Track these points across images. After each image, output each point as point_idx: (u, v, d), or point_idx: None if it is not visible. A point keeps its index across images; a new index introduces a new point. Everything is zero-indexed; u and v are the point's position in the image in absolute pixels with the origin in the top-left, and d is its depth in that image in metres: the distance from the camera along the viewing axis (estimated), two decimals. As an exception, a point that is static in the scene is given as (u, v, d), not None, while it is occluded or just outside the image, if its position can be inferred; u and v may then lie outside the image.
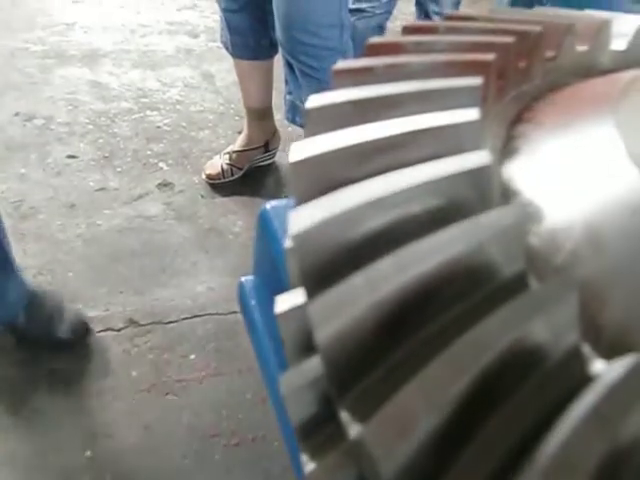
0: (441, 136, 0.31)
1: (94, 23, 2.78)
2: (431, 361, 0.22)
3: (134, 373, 1.57)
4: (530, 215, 0.30)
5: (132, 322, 1.68)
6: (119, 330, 1.66)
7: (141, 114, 2.34)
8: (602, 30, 0.45)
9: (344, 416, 0.24)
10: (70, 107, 2.31)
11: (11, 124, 2.19)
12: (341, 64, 0.39)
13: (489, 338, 0.22)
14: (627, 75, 0.35)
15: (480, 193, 0.29)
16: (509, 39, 0.40)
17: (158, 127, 2.30)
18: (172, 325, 1.68)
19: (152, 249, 1.86)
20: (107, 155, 2.14)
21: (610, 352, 0.26)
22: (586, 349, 0.25)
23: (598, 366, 0.25)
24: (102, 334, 1.64)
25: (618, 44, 0.46)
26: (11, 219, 1.88)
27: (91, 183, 2.05)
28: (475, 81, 0.34)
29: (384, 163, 0.31)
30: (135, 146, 2.20)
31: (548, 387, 0.24)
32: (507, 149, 0.36)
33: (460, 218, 0.27)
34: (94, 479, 1.35)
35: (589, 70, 0.44)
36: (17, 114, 2.23)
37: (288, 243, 0.28)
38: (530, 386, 0.24)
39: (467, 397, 0.22)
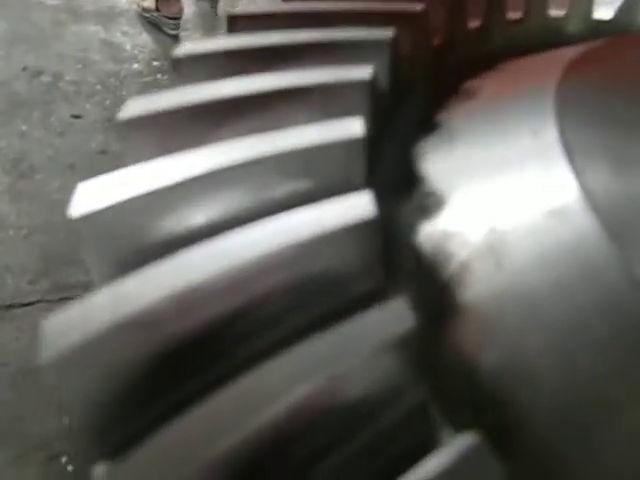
0: (316, 98, 0.24)
1: (114, -20, 2.70)
2: (191, 415, 0.16)
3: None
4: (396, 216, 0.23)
5: (120, 290, 1.63)
6: (107, 297, 1.62)
7: (151, 77, 2.27)
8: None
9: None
10: (80, 65, 2.25)
11: (17, 79, 2.14)
12: (239, 9, 0.32)
13: (274, 387, 0.15)
14: (575, 50, 0.27)
15: (345, 172, 0.21)
16: (454, -10, 0.32)
17: (168, 92, 2.23)
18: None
19: (148, 216, 1.81)
20: (112, 117, 2.09)
21: (485, 408, 0.19)
22: (437, 409, 0.17)
23: (448, 435, 0.17)
24: (87, 300, 1.60)
25: (600, 13, 0.38)
26: (9, 177, 1.85)
27: (93, 145, 2.00)
28: (384, 34, 0.26)
29: (246, 127, 0.24)
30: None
31: (379, 456, 0.17)
32: (431, 121, 0.29)
33: (322, 198, 0.20)
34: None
35: (559, 38, 0.36)
36: (25, 68, 2.18)
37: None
38: (354, 454, 0.17)
39: (241, 463, 0.15)
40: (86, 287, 1.59)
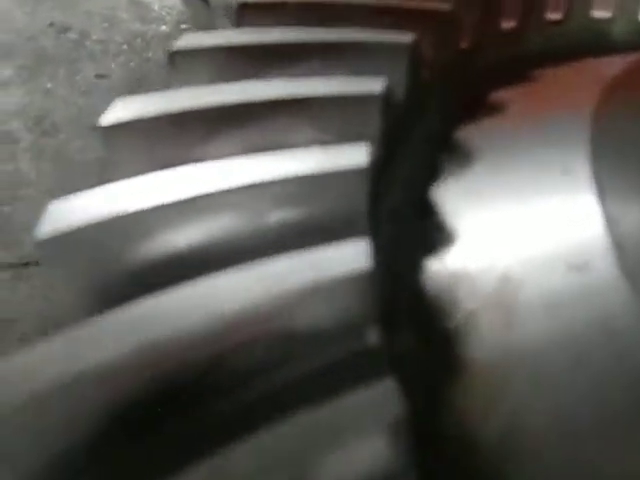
0: (320, 111, 0.21)
1: (146, -63, 2.64)
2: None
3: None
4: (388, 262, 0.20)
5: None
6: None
7: (179, 40, 2.24)
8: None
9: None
10: (107, 24, 2.22)
11: (44, 34, 2.12)
12: (251, -4, 0.29)
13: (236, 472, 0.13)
14: (618, 64, 0.24)
15: (346, 204, 0.19)
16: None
17: (195, 56, 2.19)
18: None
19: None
20: (137, 79, 2.06)
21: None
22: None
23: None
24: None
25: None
26: (31, 134, 1.84)
27: (116, 106, 1.98)
28: (404, 37, 0.24)
29: (242, 139, 0.22)
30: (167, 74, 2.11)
31: None
32: (450, 139, 0.26)
33: (316, 236, 0.18)
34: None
35: (603, 42, 0.33)
36: (52, 24, 2.15)
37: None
38: None
39: None
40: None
